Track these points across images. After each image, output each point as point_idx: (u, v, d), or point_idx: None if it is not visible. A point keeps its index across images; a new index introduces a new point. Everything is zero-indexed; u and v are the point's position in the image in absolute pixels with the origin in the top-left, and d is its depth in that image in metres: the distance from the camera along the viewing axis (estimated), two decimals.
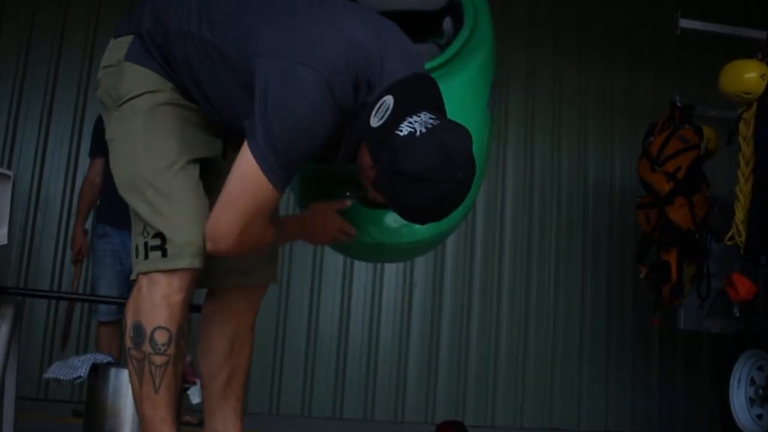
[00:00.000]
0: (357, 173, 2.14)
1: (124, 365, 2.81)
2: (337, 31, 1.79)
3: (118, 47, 2.00)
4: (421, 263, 5.76)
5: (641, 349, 5.99)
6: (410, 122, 1.70)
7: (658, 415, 5.95)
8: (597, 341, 5.96)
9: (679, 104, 5.04)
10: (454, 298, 5.80)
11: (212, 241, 1.83)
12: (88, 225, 4.51)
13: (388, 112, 1.72)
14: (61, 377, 2.93)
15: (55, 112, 5.49)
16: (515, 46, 5.92)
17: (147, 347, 1.85)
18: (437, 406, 5.60)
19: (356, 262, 5.63)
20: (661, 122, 5.07)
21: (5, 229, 2.87)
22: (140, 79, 1.94)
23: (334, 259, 5.63)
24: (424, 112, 1.72)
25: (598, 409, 5.88)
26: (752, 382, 4.56)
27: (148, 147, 1.89)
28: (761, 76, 4.38)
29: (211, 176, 2.00)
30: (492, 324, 5.81)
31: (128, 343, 1.88)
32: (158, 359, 1.86)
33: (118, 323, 4.19)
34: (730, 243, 4.50)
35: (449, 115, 1.82)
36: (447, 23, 2.37)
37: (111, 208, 4.18)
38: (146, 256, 1.87)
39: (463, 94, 2.08)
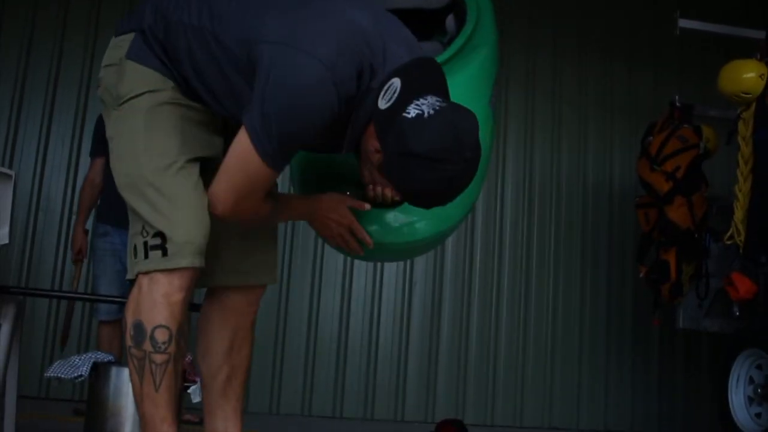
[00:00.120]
0: (358, 169, 2.15)
1: (125, 364, 2.83)
2: (338, 19, 1.80)
3: (119, 45, 2.01)
4: (420, 263, 5.76)
5: (641, 349, 6.00)
6: (417, 104, 1.70)
7: (657, 414, 5.96)
8: (596, 340, 5.97)
9: (678, 104, 5.04)
10: (453, 298, 5.80)
11: (211, 204, 1.89)
12: (89, 225, 4.52)
13: (396, 94, 1.72)
14: (62, 376, 2.94)
15: (56, 111, 5.50)
16: (515, 46, 5.93)
17: (147, 346, 1.86)
18: (437, 405, 5.61)
19: (356, 262, 5.64)
20: (661, 122, 5.08)
21: (6, 229, 2.87)
22: (141, 78, 1.94)
23: (334, 259, 5.64)
24: (430, 96, 1.73)
25: (598, 408, 5.89)
26: (751, 380, 4.57)
27: (149, 146, 1.90)
28: (760, 76, 4.38)
29: (212, 175, 2.01)
30: (492, 323, 5.82)
31: (129, 342, 1.89)
32: (159, 358, 1.86)
33: (119, 322, 4.19)
34: (729, 242, 4.50)
35: None
36: (450, 21, 2.38)
37: (111, 208, 4.19)
38: (146, 256, 1.88)
39: (465, 91, 2.09)
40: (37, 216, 5.35)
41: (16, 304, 2.90)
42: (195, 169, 1.94)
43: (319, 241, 5.68)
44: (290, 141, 1.80)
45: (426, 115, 1.69)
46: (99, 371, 2.92)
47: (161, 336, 1.86)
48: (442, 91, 1.79)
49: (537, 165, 6.11)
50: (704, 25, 5.14)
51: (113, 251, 4.27)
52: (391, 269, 5.73)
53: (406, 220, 2.10)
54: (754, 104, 4.42)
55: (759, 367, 4.55)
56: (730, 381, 4.60)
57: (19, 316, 2.91)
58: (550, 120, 6.18)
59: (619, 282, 6.06)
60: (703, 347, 6.03)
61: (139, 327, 1.87)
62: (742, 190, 4.44)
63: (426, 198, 1.79)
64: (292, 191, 2.52)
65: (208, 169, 2.00)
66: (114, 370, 2.90)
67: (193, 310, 2.16)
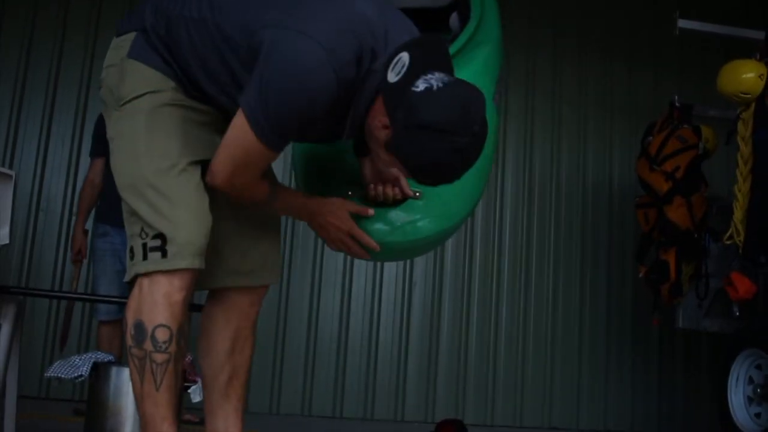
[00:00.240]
0: (359, 169, 2.14)
1: (125, 364, 2.84)
2: (342, 6, 1.82)
3: (120, 46, 2.01)
4: (420, 263, 5.77)
5: (641, 349, 6.00)
6: (426, 79, 1.72)
7: (657, 414, 5.96)
8: (596, 340, 5.97)
9: (677, 104, 5.05)
10: (453, 298, 5.81)
11: (209, 174, 1.91)
12: (89, 225, 4.52)
13: (405, 68, 1.73)
14: (63, 376, 2.94)
15: (56, 111, 5.50)
16: (515, 46, 5.93)
17: (148, 345, 1.86)
18: (437, 405, 5.61)
19: (356, 262, 5.64)
20: (660, 122, 5.08)
21: (7, 229, 2.88)
22: (142, 78, 1.95)
23: (334, 259, 5.64)
24: (437, 72, 1.74)
25: (598, 408, 5.89)
26: (750, 380, 4.57)
27: (150, 147, 1.90)
28: (759, 76, 4.38)
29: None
30: (491, 323, 5.83)
31: (129, 342, 1.89)
32: (159, 357, 1.87)
33: (119, 322, 4.19)
34: (728, 242, 4.51)
35: None
36: (454, 19, 2.39)
37: (111, 208, 4.19)
38: (144, 257, 1.88)
39: None
40: (37, 216, 5.35)
41: (16, 304, 2.90)
42: (196, 170, 1.94)
43: (319, 240, 5.67)
44: (286, 122, 1.80)
45: (435, 88, 1.71)
46: (99, 371, 2.92)
47: (162, 335, 1.86)
48: (447, 69, 1.81)
49: (537, 165, 6.11)
50: (704, 25, 5.14)
51: (113, 251, 4.28)
52: (391, 269, 5.74)
53: (408, 219, 2.09)
54: (753, 104, 4.42)
55: (758, 367, 4.55)
56: (729, 381, 4.60)
57: (19, 316, 2.91)
58: (550, 120, 6.18)
59: (619, 282, 6.06)
60: (703, 347, 6.03)
61: (139, 326, 1.87)
62: (742, 190, 4.44)
63: (434, 172, 1.78)
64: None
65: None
66: (114, 370, 2.90)
67: (194, 311, 2.16)
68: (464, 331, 5.78)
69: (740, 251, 4.46)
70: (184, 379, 2.79)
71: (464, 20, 2.36)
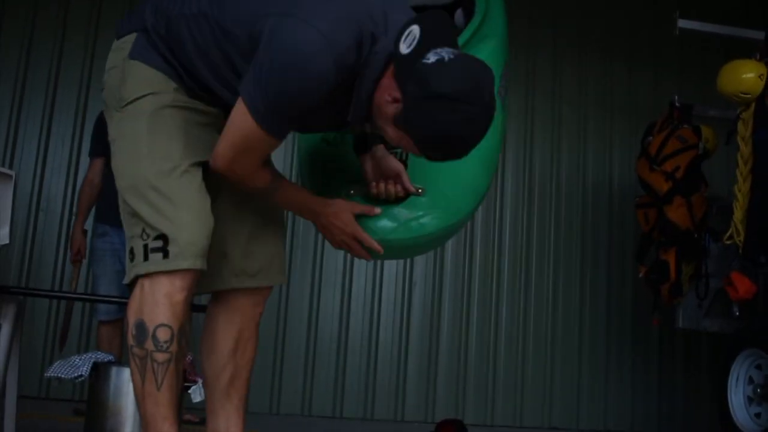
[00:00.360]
0: (361, 168, 2.14)
1: (125, 364, 2.84)
2: None
3: (121, 47, 2.02)
4: (420, 263, 5.77)
5: (641, 349, 6.00)
6: (436, 52, 1.73)
7: (657, 414, 5.96)
8: (596, 340, 5.98)
9: (677, 104, 5.05)
10: (453, 298, 5.81)
11: (212, 158, 1.92)
12: (88, 225, 4.52)
13: (416, 41, 1.74)
14: (63, 376, 2.94)
15: (56, 111, 5.50)
16: (515, 46, 5.89)
17: (149, 345, 1.86)
18: (437, 405, 5.61)
19: (356, 262, 5.65)
20: (660, 122, 5.08)
21: (7, 229, 2.88)
22: (143, 79, 1.95)
23: (334, 259, 5.64)
24: (446, 48, 1.76)
25: (598, 408, 5.89)
26: (750, 380, 4.57)
27: (152, 149, 1.91)
28: (759, 76, 4.38)
29: (210, 177, 2.02)
30: (491, 323, 5.83)
31: (130, 341, 1.89)
32: (160, 356, 1.87)
33: (119, 322, 4.20)
34: (728, 242, 4.51)
35: None
36: (458, 15, 2.39)
37: (111, 208, 4.14)
38: (146, 258, 1.88)
39: None
40: (37, 216, 5.35)
41: (16, 304, 2.90)
42: (198, 172, 1.95)
43: (320, 240, 5.70)
44: (286, 109, 1.81)
45: (447, 59, 1.72)
46: (99, 371, 2.92)
47: (163, 335, 1.87)
48: (455, 46, 1.83)
49: (537, 165, 6.12)
50: (703, 25, 5.15)
51: (113, 251, 4.28)
52: (391, 269, 5.74)
53: (412, 215, 2.07)
54: (753, 104, 4.43)
55: (758, 367, 4.55)
56: (729, 381, 4.60)
57: (19, 316, 2.91)
58: (550, 120, 6.18)
59: (619, 282, 6.06)
60: (703, 347, 6.03)
61: (141, 326, 1.87)
62: (742, 190, 4.44)
63: (444, 144, 1.78)
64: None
65: (209, 171, 2.01)
66: (114, 370, 2.90)
67: (196, 311, 2.17)
68: (464, 331, 5.78)
69: (740, 251, 4.46)
70: (184, 379, 2.79)
71: (469, 16, 2.36)
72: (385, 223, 2.06)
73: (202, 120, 1.99)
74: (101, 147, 4.35)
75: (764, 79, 4.38)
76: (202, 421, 2.34)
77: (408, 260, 5.73)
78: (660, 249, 4.97)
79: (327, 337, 5.58)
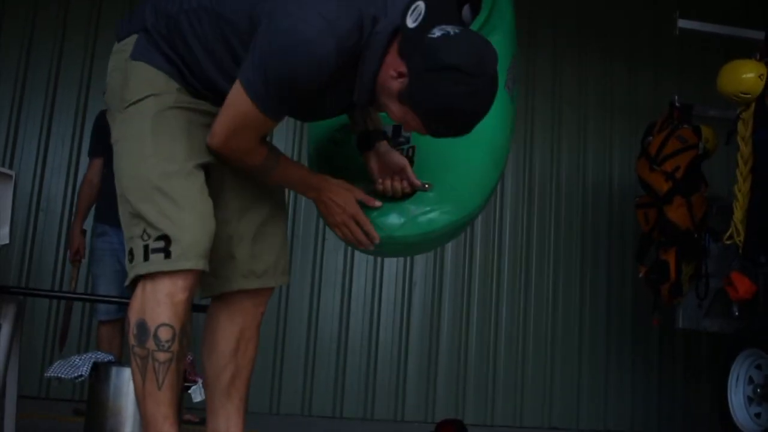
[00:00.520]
0: (366, 167, 2.12)
1: (125, 364, 2.84)
2: None
3: (123, 49, 2.02)
4: (420, 263, 5.77)
5: (641, 349, 6.00)
6: (441, 28, 1.76)
7: (657, 414, 5.96)
8: (596, 340, 5.98)
9: (677, 104, 5.05)
10: (453, 298, 5.81)
11: (209, 135, 1.93)
12: (88, 225, 4.52)
13: (421, 16, 1.76)
14: (63, 376, 2.94)
15: (56, 111, 5.50)
16: None
17: (151, 344, 1.86)
18: (437, 405, 5.61)
19: (356, 262, 5.65)
20: (660, 122, 5.08)
21: (7, 229, 2.88)
22: (145, 80, 1.95)
23: (334, 259, 5.64)
24: (450, 26, 1.78)
25: (598, 408, 5.89)
26: (750, 380, 4.57)
27: (156, 150, 1.91)
28: (759, 76, 4.38)
29: (213, 179, 2.02)
30: (491, 323, 5.83)
31: (132, 341, 1.89)
32: (162, 356, 1.86)
33: (119, 322, 4.20)
34: (728, 242, 4.51)
35: None
36: (466, 11, 2.39)
37: (110, 208, 4.15)
38: (146, 258, 1.88)
39: None
40: (37, 216, 5.35)
41: (16, 304, 2.90)
42: (201, 174, 1.95)
43: (320, 240, 5.71)
44: (284, 89, 1.80)
45: (452, 33, 1.74)
46: (99, 371, 2.92)
47: (165, 334, 1.86)
48: (458, 24, 1.84)
49: (537, 165, 6.12)
50: (703, 25, 5.15)
51: (112, 251, 4.27)
52: (391, 269, 5.74)
53: (420, 211, 2.04)
54: (753, 104, 4.43)
55: (758, 367, 4.55)
56: (729, 381, 4.60)
57: (19, 316, 2.91)
58: (550, 120, 6.18)
59: (619, 282, 6.06)
60: (703, 347, 6.03)
61: (142, 326, 1.87)
62: (742, 190, 4.45)
63: (448, 117, 1.78)
64: None
65: (209, 173, 2.01)
66: (114, 370, 2.90)
67: (198, 311, 2.16)
68: (464, 331, 5.78)
69: (740, 251, 4.46)
70: (184, 379, 2.79)
71: (476, 12, 2.37)
72: (392, 220, 2.04)
73: (206, 121, 1.99)
74: (100, 147, 4.36)
75: (764, 79, 4.38)
76: (202, 421, 2.34)
77: (408, 260, 5.74)
78: (660, 249, 4.97)
79: (327, 337, 5.58)
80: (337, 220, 2.03)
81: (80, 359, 2.99)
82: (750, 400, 4.56)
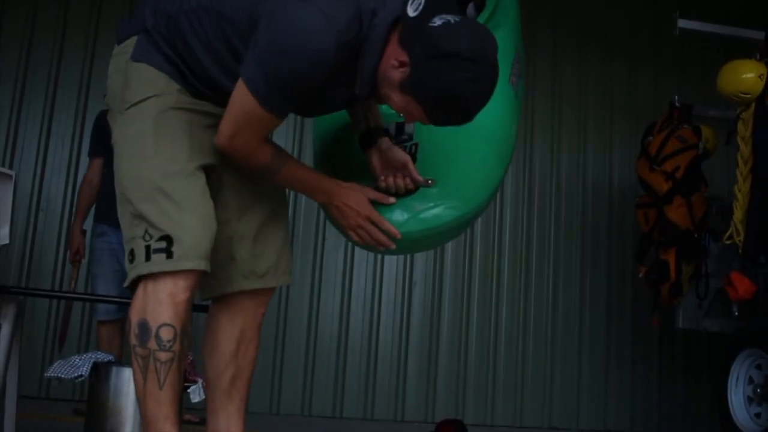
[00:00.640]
0: (368, 165, 2.11)
1: (125, 364, 2.84)
2: None
3: (123, 51, 2.02)
4: (420, 263, 5.77)
5: (641, 349, 6.00)
6: (442, 17, 1.77)
7: (657, 414, 5.96)
8: (596, 340, 5.98)
9: (677, 104, 5.05)
10: (453, 298, 5.81)
11: (217, 134, 1.93)
12: (88, 225, 4.52)
13: (422, 5, 1.78)
14: (63, 376, 2.94)
15: (56, 111, 5.50)
16: None
17: (152, 344, 1.86)
18: (437, 405, 5.61)
19: (356, 262, 5.65)
20: (660, 122, 5.08)
21: (7, 229, 2.88)
22: (146, 82, 1.95)
23: (334, 259, 5.65)
24: (451, 15, 1.79)
25: (598, 408, 5.89)
26: (750, 380, 4.57)
27: (158, 151, 1.91)
28: (759, 76, 4.38)
29: (213, 180, 2.02)
30: (491, 323, 5.83)
31: (133, 341, 1.89)
32: (163, 356, 1.87)
33: (118, 322, 4.20)
34: (728, 242, 4.51)
35: None
36: (470, 9, 2.40)
37: (110, 208, 4.15)
38: (147, 259, 1.88)
39: None
40: (37, 216, 5.35)
41: (16, 304, 2.90)
42: (202, 175, 1.95)
43: (320, 240, 5.71)
44: (287, 87, 1.81)
45: (452, 22, 1.76)
46: (99, 371, 2.92)
47: (166, 334, 1.87)
48: (459, 14, 1.86)
49: (537, 165, 6.12)
50: (703, 25, 5.15)
51: (111, 251, 4.27)
52: (391, 269, 5.74)
53: (424, 206, 2.03)
54: (753, 104, 4.43)
55: (758, 367, 4.55)
56: (729, 381, 4.60)
57: (19, 316, 2.91)
58: (550, 120, 6.18)
59: (619, 282, 6.06)
60: (703, 347, 6.03)
61: (143, 326, 1.87)
62: (742, 190, 4.45)
63: (451, 104, 1.79)
64: None
65: (209, 174, 2.01)
66: (114, 370, 2.90)
67: (199, 311, 2.16)
68: (464, 331, 5.78)
69: (740, 251, 4.46)
70: (184, 379, 2.79)
71: (480, 9, 2.38)
72: (398, 216, 2.02)
73: (207, 122, 1.99)
74: (100, 147, 4.36)
75: (764, 79, 4.38)
76: (202, 421, 2.34)
77: (408, 260, 5.74)
78: (660, 249, 4.97)
79: (327, 337, 5.58)
80: (351, 223, 2.01)
81: (80, 359, 2.99)
82: (750, 400, 4.56)
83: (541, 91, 6.17)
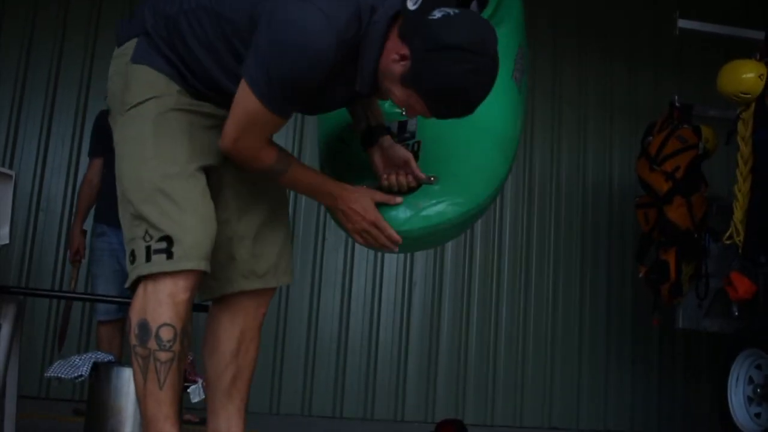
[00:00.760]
0: (371, 164, 2.11)
1: (126, 364, 2.84)
2: None
3: (124, 53, 2.03)
4: (420, 262, 5.77)
5: (641, 349, 6.00)
6: (441, 9, 1.77)
7: (657, 414, 5.96)
8: (596, 340, 5.98)
9: (677, 104, 5.05)
10: (453, 298, 5.81)
11: (222, 137, 1.93)
12: (88, 225, 4.52)
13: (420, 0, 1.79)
14: (63, 376, 2.94)
15: (56, 111, 5.50)
16: None
17: (152, 344, 1.86)
18: (437, 405, 5.61)
19: (356, 262, 5.65)
20: (660, 122, 5.09)
21: (7, 229, 2.88)
22: (146, 83, 1.95)
23: (334, 259, 5.65)
24: (450, 8, 1.79)
25: (598, 408, 5.89)
26: (750, 380, 4.57)
27: (158, 152, 1.91)
28: (759, 76, 4.39)
29: (213, 181, 2.02)
30: (491, 323, 5.83)
31: (133, 341, 1.89)
32: (163, 356, 1.87)
33: (118, 322, 4.20)
34: (728, 242, 4.51)
35: None
36: (473, 7, 2.40)
37: (109, 208, 4.15)
38: (148, 259, 1.88)
39: None
40: (37, 216, 5.35)
41: (16, 304, 2.90)
42: (202, 176, 1.96)
43: (320, 240, 5.71)
44: (289, 87, 1.81)
45: (452, 14, 1.76)
46: (99, 371, 2.92)
47: (166, 334, 1.87)
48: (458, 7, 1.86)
49: (537, 165, 6.12)
50: (703, 25, 5.15)
51: (111, 251, 4.27)
52: (391, 269, 5.74)
53: (427, 204, 2.02)
54: (753, 104, 4.43)
55: (758, 367, 4.55)
56: (729, 381, 4.60)
57: (19, 316, 2.91)
58: (550, 120, 6.18)
59: (619, 282, 6.06)
60: (703, 347, 6.03)
61: (144, 326, 1.87)
62: (742, 190, 4.45)
63: (452, 96, 1.79)
64: None
65: (209, 175, 2.01)
66: (114, 370, 2.90)
67: (200, 311, 2.16)
68: (464, 331, 5.78)
69: (740, 251, 4.47)
70: (184, 379, 2.79)
71: (483, 6, 2.38)
72: (399, 214, 2.01)
73: (207, 123, 1.99)
74: (100, 147, 4.36)
75: (764, 79, 4.38)
76: (202, 421, 2.34)
77: (408, 260, 5.74)
78: (660, 249, 4.97)
79: (327, 337, 5.58)
80: (357, 227, 2.01)
81: (80, 359, 2.99)
82: (750, 400, 4.56)
83: (541, 91, 6.17)
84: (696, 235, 4.85)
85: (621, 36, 6.37)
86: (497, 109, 2.04)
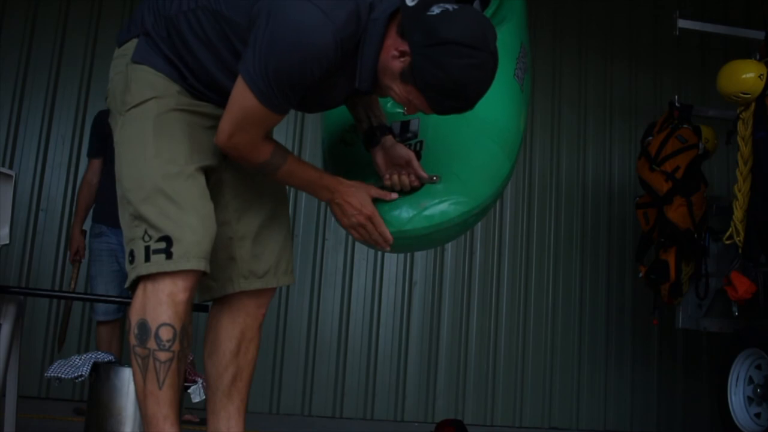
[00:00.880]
0: (374, 164, 2.11)
1: (125, 364, 2.84)
2: None
3: (124, 54, 2.03)
4: (420, 263, 5.77)
5: (640, 349, 6.00)
6: (440, 5, 1.78)
7: (656, 414, 5.96)
8: (596, 340, 5.98)
9: (677, 104, 5.05)
10: (453, 298, 5.81)
11: (217, 133, 1.92)
12: (87, 225, 4.52)
13: None
14: (63, 376, 2.94)
15: (56, 111, 5.50)
16: None
17: (152, 344, 1.86)
18: (437, 405, 5.61)
19: (356, 261, 5.65)
20: (660, 122, 5.09)
21: (7, 229, 2.88)
22: (146, 83, 1.96)
23: (334, 259, 5.64)
24: (449, 3, 1.80)
25: (597, 408, 5.89)
26: (750, 380, 4.57)
27: (158, 152, 1.91)
28: (759, 76, 4.38)
29: (213, 181, 2.02)
30: (491, 323, 5.83)
31: (132, 341, 1.89)
32: (163, 355, 1.87)
33: (118, 322, 4.20)
34: (728, 242, 4.51)
35: None
36: (476, 6, 2.40)
37: (108, 208, 4.18)
38: (147, 259, 1.88)
39: None
40: (37, 216, 5.35)
41: (16, 303, 2.90)
42: (202, 176, 1.96)
43: (320, 240, 5.71)
44: (284, 83, 1.80)
45: (451, 9, 1.77)
46: (99, 371, 2.92)
47: (165, 334, 1.87)
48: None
49: (537, 165, 6.11)
50: (703, 25, 5.15)
51: (110, 251, 4.28)
52: (391, 269, 5.74)
53: (430, 203, 2.02)
54: (753, 104, 4.42)
55: (758, 367, 4.55)
56: (729, 381, 4.60)
57: (19, 316, 2.91)
58: (549, 120, 6.18)
59: (619, 282, 6.06)
60: (703, 347, 6.03)
61: (143, 325, 1.87)
62: (742, 190, 4.44)
63: (452, 90, 1.79)
64: None
65: (209, 176, 2.01)
66: (114, 370, 2.90)
67: (200, 311, 2.16)
68: (464, 331, 5.78)
69: (740, 251, 4.46)
70: (184, 379, 2.79)
71: (486, 4, 2.38)
72: (403, 213, 2.01)
73: (207, 123, 1.99)
74: (99, 148, 4.36)
75: (764, 79, 4.38)
76: (202, 421, 2.34)
77: (408, 260, 5.74)
78: (660, 249, 4.97)
79: (327, 337, 5.58)
80: (352, 221, 2.01)
81: (80, 359, 2.98)
82: (750, 400, 4.56)
83: (541, 91, 6.17)
84: (696, 235, 4.85)
85: (621, 36, 6.38)
86: (499, 108, 2.04)
